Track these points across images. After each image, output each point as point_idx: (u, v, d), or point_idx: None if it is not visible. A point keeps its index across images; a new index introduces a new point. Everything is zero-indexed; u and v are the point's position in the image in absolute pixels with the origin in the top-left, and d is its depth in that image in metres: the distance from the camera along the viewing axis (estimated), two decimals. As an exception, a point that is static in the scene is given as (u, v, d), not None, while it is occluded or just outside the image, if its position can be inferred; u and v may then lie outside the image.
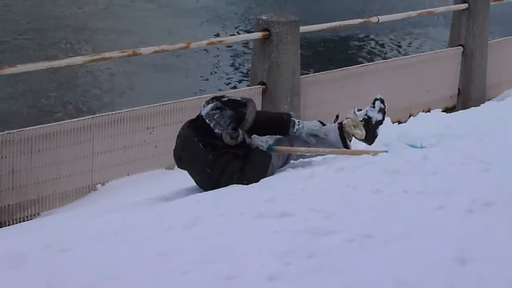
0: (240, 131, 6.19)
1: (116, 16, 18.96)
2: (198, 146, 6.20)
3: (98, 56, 7.83)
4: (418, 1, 17.08)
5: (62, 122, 7.38)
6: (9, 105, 11.52)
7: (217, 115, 6.15)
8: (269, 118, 6.70)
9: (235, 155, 6.30)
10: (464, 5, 10.60)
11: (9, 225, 6.70)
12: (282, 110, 8.31)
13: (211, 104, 6.22)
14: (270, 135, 6.57)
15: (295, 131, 6.52)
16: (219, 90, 12.23)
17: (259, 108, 8.31)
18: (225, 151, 6.23)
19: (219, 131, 6.14)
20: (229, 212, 5.11)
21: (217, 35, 14.67)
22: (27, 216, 6.88)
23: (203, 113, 6.23)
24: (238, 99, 6.37)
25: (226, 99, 6.29)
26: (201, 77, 13.44)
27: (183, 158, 6.37)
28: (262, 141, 6.44)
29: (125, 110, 7.72)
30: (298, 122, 6.59)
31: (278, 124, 6.58)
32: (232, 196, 5.61)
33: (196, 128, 6.29)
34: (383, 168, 5.72)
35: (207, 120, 6.17)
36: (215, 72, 13.99)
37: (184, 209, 5.49)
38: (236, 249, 4.38)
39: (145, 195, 6.64)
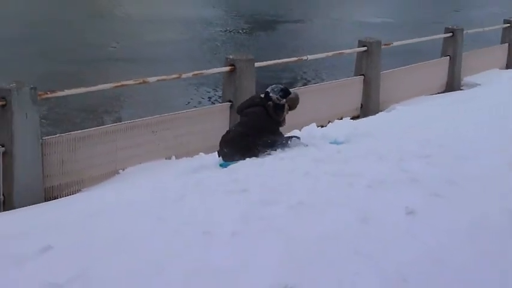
0: (284, 101, 6.56)
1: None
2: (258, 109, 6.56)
3: (118, 84, 7.74)
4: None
5: (95, 128, 7.34)
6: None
7: (274, 86, 6.66)
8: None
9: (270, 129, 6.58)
10: (364, 48, 10.69)
11: (58, 198, 6.63)
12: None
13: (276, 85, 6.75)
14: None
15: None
16: (199, 103, 12.27)
17: (227, 118, 8.33)
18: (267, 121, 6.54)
19: (272, 95, 6.53)
20: (206, 190, 5.11)
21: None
22: (71, 192, 6.81)
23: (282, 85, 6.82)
24: (294, 93, 6.78)
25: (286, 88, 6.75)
26: (188, 97, 13.44)
27: (245, 112, 6.66)
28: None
29: (138, 119, 7.67)
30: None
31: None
32: (209, 178, 5.59)
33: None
34: (311, 158, 5.76)
35: (269, 89, 6.62)
36: (199, 92, 13.99)
37: (176, 188, 5.47)
38: (210, 214, 4.36)
39: (151, 178, 6.62)
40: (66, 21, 24.64)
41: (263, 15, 29.43)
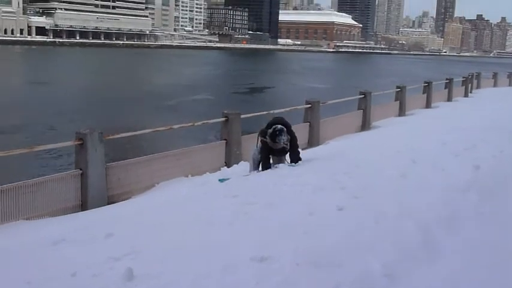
0: (265, 139, 6.12)
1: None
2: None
3: (154, 129, 7.67)
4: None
5: (140, 157, 7.25)
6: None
7: (278, 128, 6.12)
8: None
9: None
10: (309, 105, 10.63)
11: (116, 202, 6.57)
12: (234, 153, 8.14)
13: (281, 127, 6.13)
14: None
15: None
16: (206, 141, 12.18)
17: (223, 151, 8.25)
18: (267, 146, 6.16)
19: (269, 130, 6.05)
20: (211, 195, 5.09)
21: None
22: (125, 199, 6.73)
23: (278, 127, 6.07)
24: (286, 134, 6.17)
25: (282, 128, 6.13)
26: (199, 137, 13.38)
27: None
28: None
29: (167, 151, 7.59)
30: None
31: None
32: (213, 188, 5.56)
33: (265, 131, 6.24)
34: (277, 174, 5.74)
35: (277, 126, 6.11)
36: (206, 134, 13.97)
37: (191, 194, 5.45)
38: (214, 210, 4.37)
39: (175, 188, 6.57)
40: (123, 88, 24.78)
41: (246, 85, 29.90)
